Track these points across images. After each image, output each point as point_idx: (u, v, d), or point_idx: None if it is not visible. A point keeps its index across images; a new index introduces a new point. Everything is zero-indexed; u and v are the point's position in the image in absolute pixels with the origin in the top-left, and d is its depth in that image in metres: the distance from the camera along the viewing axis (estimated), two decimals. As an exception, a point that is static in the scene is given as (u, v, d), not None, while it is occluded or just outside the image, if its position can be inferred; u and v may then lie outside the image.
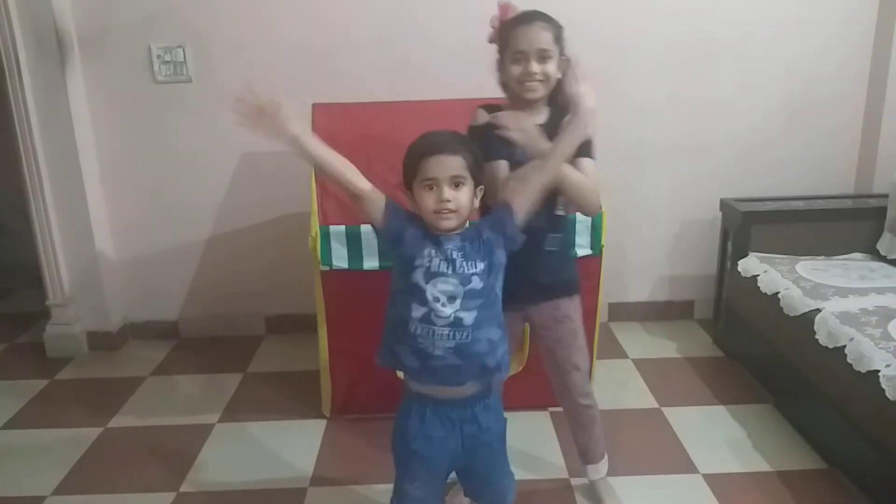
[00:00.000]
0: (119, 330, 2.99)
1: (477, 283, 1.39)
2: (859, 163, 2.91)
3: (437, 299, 1.38)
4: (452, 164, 1.36)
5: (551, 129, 1.59)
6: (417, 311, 1.39)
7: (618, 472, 1.99)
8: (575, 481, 2.01)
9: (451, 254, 1.39)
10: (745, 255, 2.59)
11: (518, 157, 1.57)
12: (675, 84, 2.84)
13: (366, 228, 2.12)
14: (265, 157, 2.84)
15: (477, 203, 1.45)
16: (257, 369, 2.77)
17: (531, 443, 2.06)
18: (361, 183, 1.42)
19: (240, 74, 2.74)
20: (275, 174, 2.84)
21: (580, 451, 1.93)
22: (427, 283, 1.38)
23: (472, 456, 1.47)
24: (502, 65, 1.64)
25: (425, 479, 1.48)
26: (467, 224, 1.45)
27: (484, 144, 1.50)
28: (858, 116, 2.87)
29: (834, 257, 2.56)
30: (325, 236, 2.12)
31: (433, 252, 1.39)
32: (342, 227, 2.13)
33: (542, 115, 1.66)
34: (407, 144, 1.44)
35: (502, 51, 1.63)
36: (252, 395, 2.56)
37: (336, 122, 2.27)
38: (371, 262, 2.14)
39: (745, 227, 2.59)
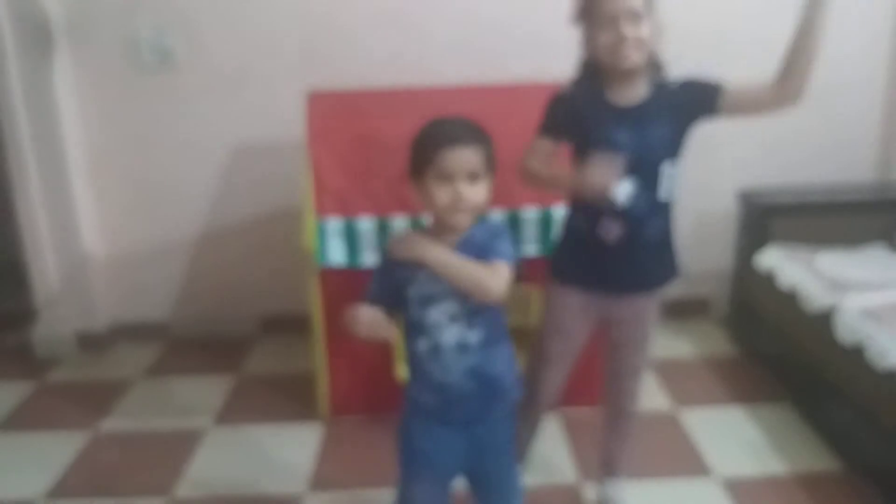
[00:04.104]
0: (108, 331, 2.94)
1: None
2: (880, 151, 2.84)
3: (438, 324, 1.33)
4: (471, 157, 1.28)
5: (655, 107, 1.53)
6: (424, 345, 1.36)
7: (630, 474, 1.94)
8: (584, 485, 1.97)
9: None
10: (763, 249, 2.53)
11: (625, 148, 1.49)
12: (690, 71, 2.75)
13: (362, 223, 2.11)
14: (258, 148, 2.78)
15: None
16: (251, 371, 2.73)
17: (540, 445, 2.01)
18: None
19: (230, 61, 2.69)
20: (268, 167, 2.78)
21: (606, 460, 1.86)
22: (424, 309, 1.34)
23: (479, 459, 1.43)
24: (589, 41, 1.53)
25: (430, 479, 1.44)
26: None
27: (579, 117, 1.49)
28: (877, 104, 2.81)
29: (854, 249, 2.49)
30: (321, 232, 2.09)
31: (424, 274, 1.31)
32: (338, 223, 2.10)
33: (642, 91, 1.55)
34: (406, 133, 1.35)
35: (587, 24, 1.52)
36: (246, 398, 2.53)
37: (333, 110, 2.23)
38: (368, 258, 2.11)
39: (763, 219, 2.55)
